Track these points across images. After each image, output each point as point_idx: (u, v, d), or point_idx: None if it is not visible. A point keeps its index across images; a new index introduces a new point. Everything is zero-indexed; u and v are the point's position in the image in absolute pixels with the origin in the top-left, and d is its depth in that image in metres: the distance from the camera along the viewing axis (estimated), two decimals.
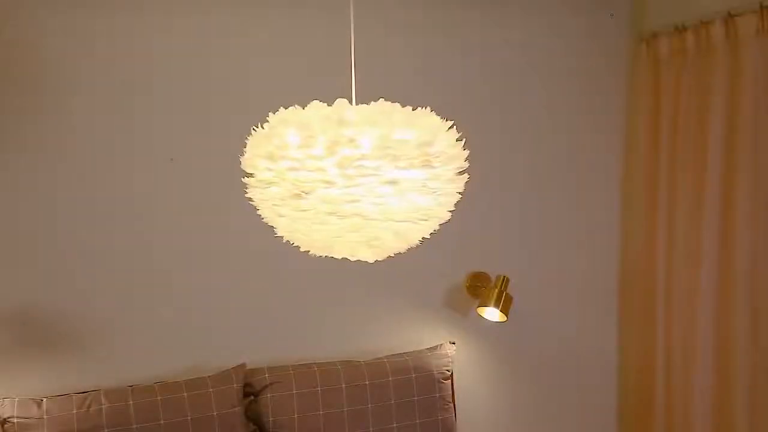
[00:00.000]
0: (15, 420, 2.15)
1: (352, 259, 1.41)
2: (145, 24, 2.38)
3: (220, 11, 2.44)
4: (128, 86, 2.37)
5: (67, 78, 2.31)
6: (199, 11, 2.41)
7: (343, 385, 2.49)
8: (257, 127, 1.34)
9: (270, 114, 1.32)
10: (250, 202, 1.40)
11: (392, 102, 1.29)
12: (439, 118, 1.33)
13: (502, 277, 2.73)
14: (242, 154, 1.36)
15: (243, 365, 2.45)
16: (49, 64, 2.28)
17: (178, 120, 2.44)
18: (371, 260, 1.41)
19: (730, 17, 2.49)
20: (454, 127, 1.32)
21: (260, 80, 2.48)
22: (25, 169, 2.31)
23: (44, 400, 2.19)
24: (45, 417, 2.16)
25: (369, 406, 2.51)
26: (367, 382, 2.52)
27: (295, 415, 2.42)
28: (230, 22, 2.46)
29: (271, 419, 2.42)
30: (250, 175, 1.37)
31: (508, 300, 2.72)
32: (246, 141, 1.35)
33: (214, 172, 2.39)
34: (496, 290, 2.72)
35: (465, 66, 2.77)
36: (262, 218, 1.42)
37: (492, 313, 2.74)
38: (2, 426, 2.15)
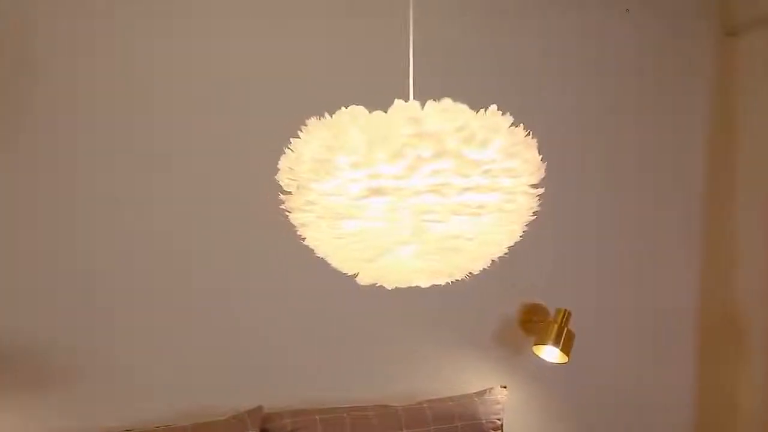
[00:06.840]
0: None
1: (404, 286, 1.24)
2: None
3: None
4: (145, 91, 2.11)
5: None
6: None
7: None
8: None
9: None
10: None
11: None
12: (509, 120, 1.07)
13: (563, 311, 2.52)
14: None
15: (260, 408, 2.20)
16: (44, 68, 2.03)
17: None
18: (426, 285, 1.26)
19: None
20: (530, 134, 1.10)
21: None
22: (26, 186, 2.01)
23: None
24: None
25: None
26: (405, 431, 2.27)
27: None
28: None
29: None
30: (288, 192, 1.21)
31: (570, 337, 2.50)
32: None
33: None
34: (556, 326, 2.53)
35: (536, 64, 2.60)
36: (302, 240, 1.22)
37: (550, 353, 2.55)
38: None
